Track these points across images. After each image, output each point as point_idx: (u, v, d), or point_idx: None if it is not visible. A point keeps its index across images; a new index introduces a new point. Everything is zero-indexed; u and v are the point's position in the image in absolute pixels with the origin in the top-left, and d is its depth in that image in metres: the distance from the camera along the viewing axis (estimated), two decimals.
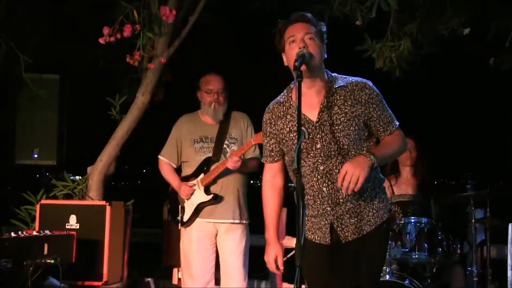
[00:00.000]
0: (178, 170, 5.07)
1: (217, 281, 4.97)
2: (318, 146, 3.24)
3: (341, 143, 3.21)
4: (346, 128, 3.22)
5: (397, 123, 3.35)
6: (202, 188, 4.87)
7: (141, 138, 6.35)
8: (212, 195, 4.84)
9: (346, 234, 3.29)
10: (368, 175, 3.12)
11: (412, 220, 5.09)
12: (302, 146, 3.19)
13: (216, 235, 4.92)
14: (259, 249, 4.81)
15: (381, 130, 3.31)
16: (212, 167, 4.86)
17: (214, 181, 4.85)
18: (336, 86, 3.26)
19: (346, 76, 3.33)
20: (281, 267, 3.35)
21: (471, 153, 12.38)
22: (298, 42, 3.18)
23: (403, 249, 5.00)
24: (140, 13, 5.20)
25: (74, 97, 6.13)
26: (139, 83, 5.72)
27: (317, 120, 3.24)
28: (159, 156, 5.06)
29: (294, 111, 3.24)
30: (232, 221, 4.87)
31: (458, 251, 5.17)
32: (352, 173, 3.02)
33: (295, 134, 3.23)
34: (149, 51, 5.48)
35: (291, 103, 3.27)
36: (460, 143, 12.07)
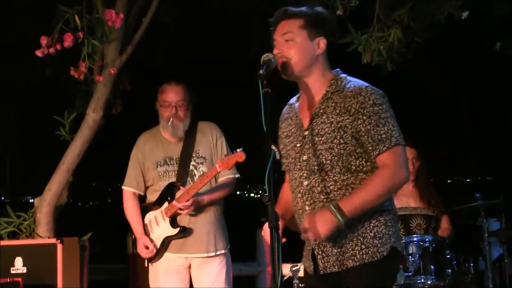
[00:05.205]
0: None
1: None
2: (305, 157, 2.96)
3: (323, 157, 2.90)
4: (329, 141, 2.89)
5: (394, 142, 2.85)
6: (167, 219, 4.29)
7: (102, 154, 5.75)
8: (179, 228, 4.28)
9: (326, 264, 2.94)
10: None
11: (415, 239, 4.70)
12: (292, 154, 2.98)
13: (190, 267, 4.37)
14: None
15: (370, 148, 2.87)
16: (177, 194, 4.26)
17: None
18: (333, 91, 2.96)
19: (355, 81, 2.97)
20: None
21: (478, 152, 11.83)
22: (276, 47, 2.95)
23: (405, 273, 4.61)
24: (83, 18, 4.61)
25: (19, 118, 5.53)
26: (92, 95, 5.08)
27: (307, 127, 2.97)
28: (123, 187, 4.46)
29: (295, 114, 3.04)
30: (206, 255, 4.35)
31: (472, 271, 4.83)
32: (313, 231, 2.77)
33: (290, 139, 3.02)
34: (96, 61, 4.88)
35: (296, 105, 3.07)
36: (465, 141, 11.52)
